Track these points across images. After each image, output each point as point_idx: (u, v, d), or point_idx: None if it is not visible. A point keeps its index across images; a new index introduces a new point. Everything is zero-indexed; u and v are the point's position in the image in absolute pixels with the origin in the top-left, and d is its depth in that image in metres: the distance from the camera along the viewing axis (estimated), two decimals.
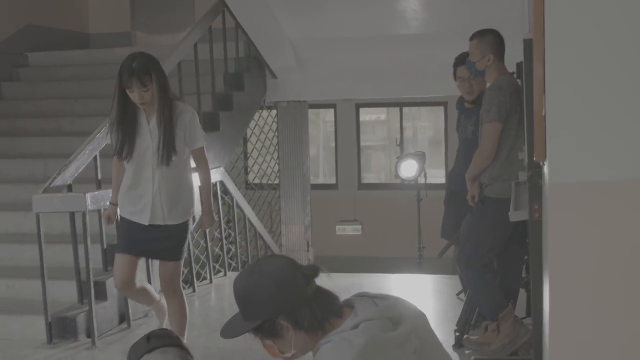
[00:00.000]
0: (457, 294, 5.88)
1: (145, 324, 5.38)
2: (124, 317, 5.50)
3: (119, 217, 4.54)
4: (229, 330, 2.19)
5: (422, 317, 2.21)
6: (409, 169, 8.70)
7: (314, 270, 2.11)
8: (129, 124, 4.24)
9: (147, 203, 4.28)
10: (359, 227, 12.01)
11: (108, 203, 4.71)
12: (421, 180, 9.29)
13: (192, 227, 4.57)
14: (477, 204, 4.44)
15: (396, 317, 2.11)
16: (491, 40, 4.41)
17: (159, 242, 4.35)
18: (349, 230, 12.10)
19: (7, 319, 5.31)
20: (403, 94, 9.40)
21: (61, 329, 5.16)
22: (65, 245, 5.42)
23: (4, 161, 7.03)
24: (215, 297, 6.37)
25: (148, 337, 2.29)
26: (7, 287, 5.63)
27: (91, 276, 5.11)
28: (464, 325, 4.75)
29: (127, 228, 4.40)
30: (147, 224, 4.30)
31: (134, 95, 4.13)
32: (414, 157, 8.80)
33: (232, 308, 2.32)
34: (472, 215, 4.53)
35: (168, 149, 4.18)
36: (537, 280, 2.93)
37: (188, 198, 4.39)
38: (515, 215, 3.69)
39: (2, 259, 5.96)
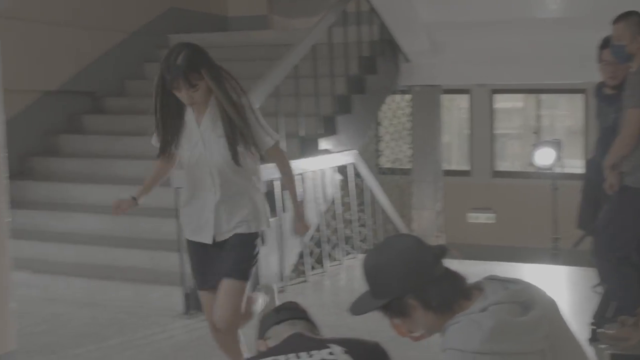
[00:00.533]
0: (594, 287, 5.69)
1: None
2: None
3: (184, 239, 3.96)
4: (358, 307, 2.22)
5: (553, 303, 2.16)
6: (544, 156, 8.50)
7: (442, 250, 2.11)
8: (172, 126, 3.63)
9: (209, 218, 3.61)
10: (493, 215, 11.83)
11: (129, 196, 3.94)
12: (557, 170, 9.04)
13: (260, 246, 3.79)
14: (616, 193, 4.28)
15: (527, 301, 2.08)
16: (637, 21, 4.24)
17: (225, 258, 3.65)
18: (482, 218, 11.94)
19: (148, 289, 5.58)
20: (540, 80, 9.16)
21: (197, 300, 5.34)
22: None
23: (144, 139, 7.29)
24: (345, 277, 6.45)
25: (277, 309, 2.36)
26: (149, 258, 5.91)
27: None
28: (599, 319, 4.60)
29: (195, 255, 3.77)
30: (210, 242, 3.64)
31: (182, 96, 3.52)
32: (550, 144, 8.59)
33: (362, 289, 2.36)
34: (610, 205, 4.37)
35: (233, 152, 3.52)
36: None
37: (257, 206, 3.69)
38: None
39: (144, 231, 6.25)
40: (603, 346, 4.39)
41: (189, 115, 3.61)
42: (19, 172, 6.95)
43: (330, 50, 6.81)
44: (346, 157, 6.86)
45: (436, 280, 2.08)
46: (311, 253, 6.42)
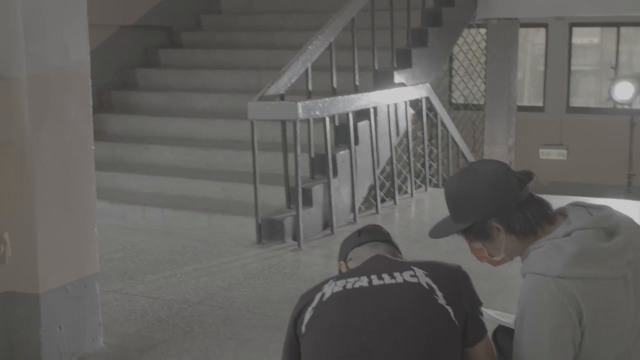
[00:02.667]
0: None
1: (347, 231, 5.53)
2: (327, 224, 5.72)
3: None
4: (438, 231, 2.23)
5: (639, 230, 2.13)
6: (624, 91, 8.27)
7: (528, 175, 2.09)
8: None
9: None
10: (565, 151, 11.62)
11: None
12: (636, 105, 8.79)
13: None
14: None
15: (611, 227, 2.06)
16: None
17: None
18: (554, 154, 11.74)
19: (222, 218, 5.68)
20: (621, 12, 8.84)
21: (270, 230, 5.45)
22: (276, 153, 5.67)
23: (221, 72, 7.39)
24: (415, 210, 6.45)
25: (360, 231, 2.37)
26: (222, 189, 6.00)
27: (299, 183, 5.34)
28: None
29: None
30: None
31: None
32: (630, 78, 8.35)
33: (431, 221, 2.35)
34: None
35: None
36: None
37: None
38: None
39: (218, 163, 6.34)
40: None
41: None
42: (98, 105, 7.08)
43: None
44: (419, 91, 6.79)
45: (521, 204, 2.07)
46: (382, 186, 6.44)
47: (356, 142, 5.95)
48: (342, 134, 5.97)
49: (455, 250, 5.09)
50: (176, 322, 4.07)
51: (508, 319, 2.36)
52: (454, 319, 1.98)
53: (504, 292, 4.27)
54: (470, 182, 2.10)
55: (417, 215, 6.28)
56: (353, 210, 5.97)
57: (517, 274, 2.14)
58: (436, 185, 7.19)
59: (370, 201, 6.39)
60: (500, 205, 2.07)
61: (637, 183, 9.91)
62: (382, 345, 1.91)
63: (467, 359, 2.09)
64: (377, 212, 6.17)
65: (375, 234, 2.34)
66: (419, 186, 7.00)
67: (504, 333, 2.33)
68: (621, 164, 10.41)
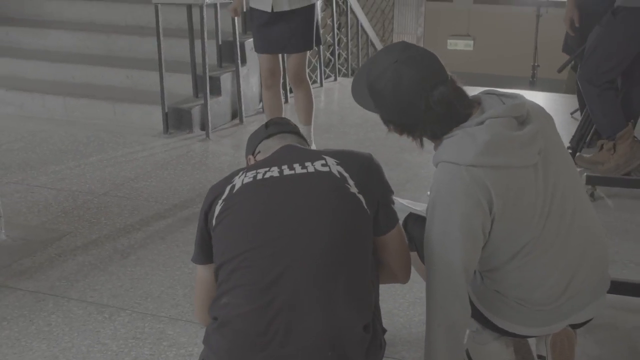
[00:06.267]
0: (572, 113, 5.73)
1: (257, 121, 5.50)
2: (236, 114, 5.63)
3: (244, 7, 4.58)
4: (360, 99, 2.16)
5: (549, 119, 2.14)
6: None
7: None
8: None
9: None
10: (471, 42, 11.70)
11: None
12: None
13: (319, 14, 4.49)
14: (607, 15, 4.20)
15: (523, 116, 2.06)
16: None
17: (286, 33, 4.31)
18: (461, 45, 11.81)
19: (128, 107, 5.52)
20: None
21: (177, 120, 5.34)
22: (182, 40, 5.50)
23: None
24: (324, 100, 6.40)
25: (267, 124, 2.31)
26: (126, 77, 5.81)
27: (207, 71, 5.20)
28: (577, 143, 4.65)
29: (257, 24, 4.38)
30: (269, 10, 4.24)
31: None
32: None
33: (341, 111, 2.32)
34: (600, 27, 4.30)
35: None
36: None
37: None
38: None
39: (121, 49, 6.12)
40: (580, 169, 4.47)
41: None
42: None
43: None
44: None
45: (427, 119, 2.04)
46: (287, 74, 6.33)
47: None
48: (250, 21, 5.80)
49: (364, 140, 5.15)
50: (81, 213, 3.97)
51: (419, 207, 2.38)
52: (365, 207, 1.97)
53: (413, 181, 4.33)
54: (382, 89, 2.03)
55: (327, 105, 6.23)
56: (262, 99, 5.88)
57: (426, 163, 2.14)
58: (345, 75, 7.14)
59: None
60: (402, 120, 2.07)
61: (541, 75, 10.12)
62: (294, 234, 1.89)
63: (378, 248, 2.09)
64: (286, 101, 6.10)
65: (283, 126, 2.28)
66: (329, 76, 6.94)
67: (415, 221, 2.35)
68: (526, 55, 10.57)
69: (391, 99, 2.05)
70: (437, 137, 2.08)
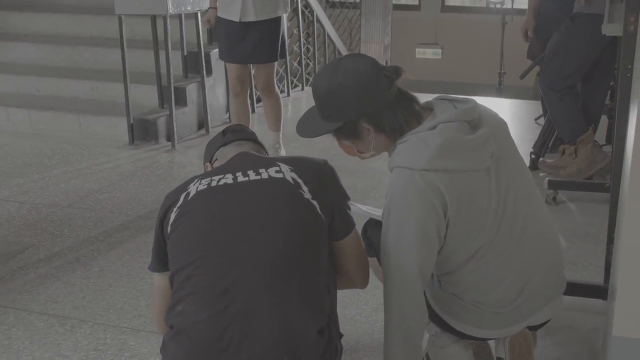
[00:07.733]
0: (536, 119, 5.79)
1: None
2: (202, 124, 5.63)
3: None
4: (309, 130, 2.18)
5: (502, 124, 2.17)
6: None
7: (396, 71, 2.06)
8: None
9: None
10: (439, 50, 11.78)
11: (207, 7, 4.72)
12: (507, 5, 8.95)
13: (285, 27, 4.60)
14: (567, 21, 4.26)
15: (475, 120, 2.08)
16: None
17: (252, 43, 4.40)
18: (429, 53, 11.88)
19: (92, 119, 5.49)
20: None
21: (143, 131, 5.32)
22: (147, 51, 5.49)
23: None
24: (292, 109, 6.42)
25: (224, 131, 2.31)
26: (91, 88, 5.78)
27: (172, 81, 5.20)
28: (540, 148, 4.71)
29: (224, 32, 4.45)
30: (237, 20, 4.32)
31: None
32: None
33: None
34: (559, 34, 4.36)
35: None
36: (623, 102, 2.81)
37: None
38: (609, 29, 3.46)
39: (87, 61, 6.09)
40: (542, 174, 4.52)
41: None
42: None
43: None
44: None
45: (390, 103, 2.05)
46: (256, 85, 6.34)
47: None
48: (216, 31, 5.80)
49: (330, 148, 5.15)
50: (45, 226, 3.95)
51: (378, 213, 2.39)
52: (320, 212, 1.98)
53: (378, 188, 4.35)
54: (341, 82, 2.04)
55: (294, 115, 6.24)
56: (229, 109, 5.88)
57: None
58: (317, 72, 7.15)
59: None
60: (370, 107, 2.05)
61: (508, 82, 10.22)
62: (248, 240, 1.90)
63: (335, 253, 2.10)
64: (253, 111, 6.11)
65: (240, 133, 2.29)
66: (296, 85, 6.96)
67: (374, 227, 2.35)
68: (493, 63, 10.67)
69: (355, 87, 2.04)
70: (402, 129, 2.08)
